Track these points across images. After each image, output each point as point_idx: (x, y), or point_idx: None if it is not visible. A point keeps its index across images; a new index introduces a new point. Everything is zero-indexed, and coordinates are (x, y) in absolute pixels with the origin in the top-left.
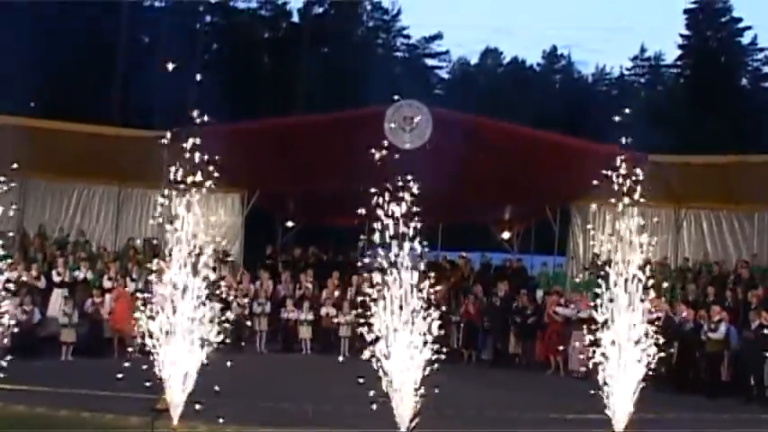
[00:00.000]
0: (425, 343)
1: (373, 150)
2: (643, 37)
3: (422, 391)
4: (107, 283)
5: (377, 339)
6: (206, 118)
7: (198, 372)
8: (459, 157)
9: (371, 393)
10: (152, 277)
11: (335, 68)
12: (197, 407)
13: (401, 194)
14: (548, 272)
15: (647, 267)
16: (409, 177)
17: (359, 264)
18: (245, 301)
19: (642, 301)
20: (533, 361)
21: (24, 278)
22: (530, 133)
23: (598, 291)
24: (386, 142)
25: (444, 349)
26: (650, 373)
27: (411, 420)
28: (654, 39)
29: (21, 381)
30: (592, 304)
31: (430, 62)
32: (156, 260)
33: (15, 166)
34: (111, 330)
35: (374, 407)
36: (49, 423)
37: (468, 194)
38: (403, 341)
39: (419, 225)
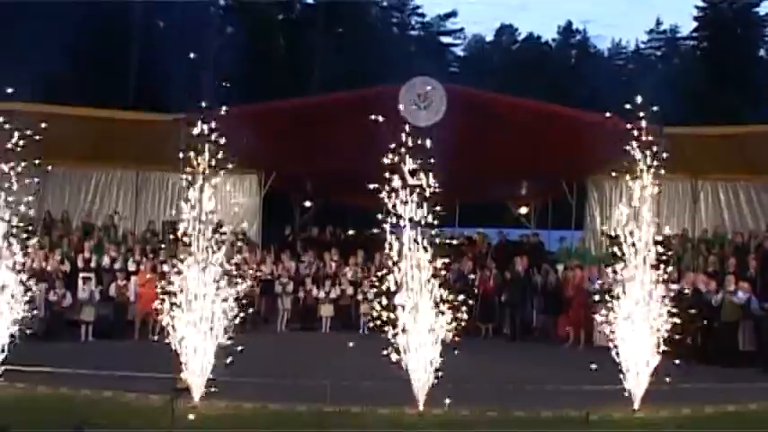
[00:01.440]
0: (445, 318)
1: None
2: (659, 10)
3: (439, 365)
4: (132, 266)
5: (396, 316)
6: (221, 100)
7: (218, 351)
8: (475, 134)
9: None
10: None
11: (350, 49)
12: (214, 388)
13: (416, 171)
14: (568, 247)
15: (664, 240)
16: (424, 154)
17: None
18: (267, 279)
19: (659, 271)
20: (553, 335)
21: (49, 263)
22: (545, 108)
23: (617, 264)
24: (401, 120)
25: (462, 323)
26: (668, 343)
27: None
28: (670, 11)
29: (46, 362)
30: (612, 278)
31: (445, 40)
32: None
33: (37, 161)
34: (136, 313)
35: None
36: (71, 402)
37: (485, 171)
38: (422, 317)
39: (435, 202)
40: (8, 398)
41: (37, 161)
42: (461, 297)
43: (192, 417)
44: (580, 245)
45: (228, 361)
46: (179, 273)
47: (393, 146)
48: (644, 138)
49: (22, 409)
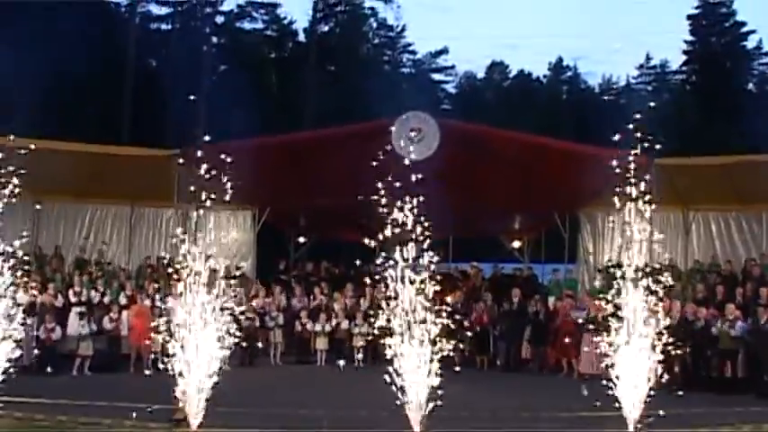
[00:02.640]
0: (438, 350)
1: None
2: (649, 46)
3: (436, 395)
4: (123, 300)
5: (390, 348)
6: (215, 136)
7: (214, 383)
8: (467, 168)
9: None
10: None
11: (342, 86)
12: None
13: (409, 207)
14: (559, 279)
15: (657, 269)
16: (417, 189)
17: (371, 274)
18: (259, 312)
19: (652, 301)
20: (546, 365)
21: (41, 298)
22: (536, 141)
23: (608, 296)
24: (394, 155)
25: (457, 356)
26: (662, 371)
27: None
28: (660, 47)
29: (42, 395)
30: (604, 307)
31: (437, 77)
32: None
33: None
34: (130, 346)
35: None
36: (70, 431)
37: (477, 205)
38: (415, 348)
39: (428, 236)
40: (6, 427)
41: (30, 197)
42: (455, 329)
43: None
44: (569, 276)
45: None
46: (173, 306)
47: (386, 180)
48: (635, 170)
49: None
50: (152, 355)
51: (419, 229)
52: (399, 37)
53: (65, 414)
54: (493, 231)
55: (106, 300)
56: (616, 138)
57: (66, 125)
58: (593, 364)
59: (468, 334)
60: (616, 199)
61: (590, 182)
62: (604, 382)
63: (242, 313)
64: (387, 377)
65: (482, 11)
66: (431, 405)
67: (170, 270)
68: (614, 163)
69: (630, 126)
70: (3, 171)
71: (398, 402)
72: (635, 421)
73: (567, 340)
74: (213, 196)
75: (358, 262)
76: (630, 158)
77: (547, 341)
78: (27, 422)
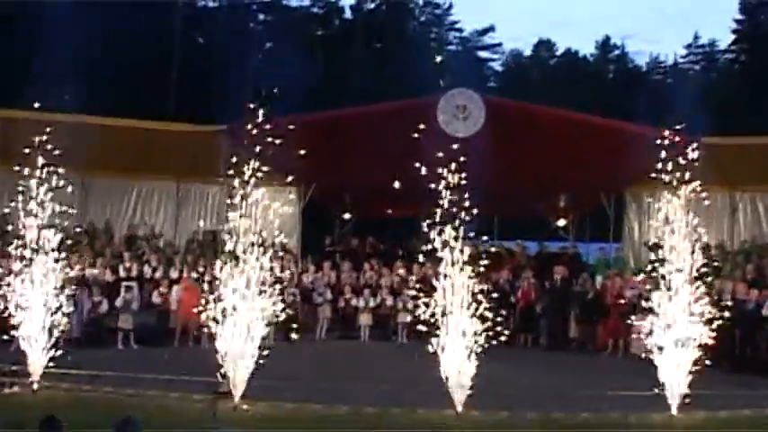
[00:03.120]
0: (482, 328)
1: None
2: (697, 25)
3: (479, 372)
4: (174, 275)
5: (435, 324)
6: (261, 113)
7: (259, 357)
8: (513, 145)
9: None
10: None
11: (389, 64)
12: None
13: (455, 183)
14: (606, 257)
15: (704, 249)
16: (463, 167)
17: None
18: (307, 288)
19: (699, 282)
20: (591, 344)
21: (91, 272)
22: (583, 119)
23: (656, 274)
24: (441, 132)
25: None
26: (707, 352)
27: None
28: (708, 26)
29: (89, 367)
30: (651, 286)
31: (483, 55)
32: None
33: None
34: (177, 320)
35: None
36: (115, 402)
37: (523, 183)
38: (460, 325)
39: (473, 213)
40: (53, 398)
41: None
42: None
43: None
44: (617, 255)
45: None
46: (220, 281)
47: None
48: (682, 149)
49: (66, 408)
50: (199, 330)
51: (465, 207)
52: (446, 14)
53: (111, 386)
54: (538, 210)
55: (157, 275)
56: (663, 117)
57: (113, 102)
58: (643, 343)
59: (509, 312)
60: (663, 178)
61: (636, 161)
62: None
63: (287, 288)
64: (430, 354)
65: None
66: (474, 382)
67: (215, 245)
68: (661, 142)
69: (677, 105)
70: (53, 147)
71: (441, 379)
72: (679, 401)
73: (617, 319)
74: (259, 172)
75: (403, 238)
76: (677, 138)
77: (595, 320)
78: (74, 394)
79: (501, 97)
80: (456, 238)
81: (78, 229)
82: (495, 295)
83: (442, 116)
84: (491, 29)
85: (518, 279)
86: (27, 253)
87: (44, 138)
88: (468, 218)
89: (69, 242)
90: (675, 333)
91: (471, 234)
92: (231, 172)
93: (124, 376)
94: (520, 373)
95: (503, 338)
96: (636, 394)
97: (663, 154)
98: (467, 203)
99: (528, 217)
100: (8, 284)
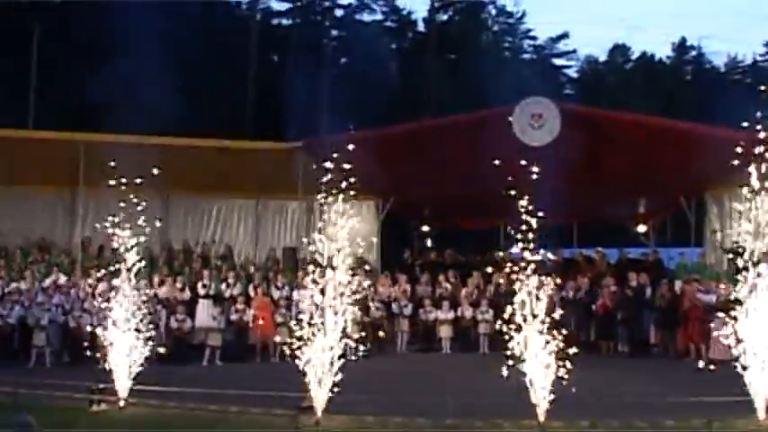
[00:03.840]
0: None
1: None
2: None
3: (560, 382)
4: (251, 293)
5: (515, 334)
6: (337, 128)
7: (341, 371)
8: (590, 152)
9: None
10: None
11: (463, 74)
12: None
13: (533, 193)
14: (686, 262)
15: None
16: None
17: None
18: (386, 301)
19: None
20: (673, 350)
21: (171, 291)
22: (660, 123)
23: (739, 277)
24: (517, 141)
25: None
26: None
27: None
28: None
29: (173, 383)
30: (732, 290)
31: (558, 62)
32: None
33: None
34: (256, 337)
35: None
36: (198, 418)
37: (601, 189)
38: (541, 335)
39: (552, 221)
40: (139, 415)
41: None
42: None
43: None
44: (699, 260)
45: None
46: (300, 297)
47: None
48: (763, 150)
49: (153, 425)
50: (279, 346)
51: (543, 216)
52: (519, 23)
53: (195, 402)
54: (617, 216)
55: (235, 292)
56: (743, 117)
57: (192, 122)
58: (724, 349)
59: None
60: (745, 180)
61: (716, 164)
62: (735, 367)
63: (368, 302)
64: (511, 364)
65: None
66: (555, 392)
67: (294, 261)
68: (742, 144)
69: (758, 105)
70: (134, 167)
71: (523, 390)
72: (765, 407)
73: (695, 325)
74: (337, 187)
75: (482, 249)
76: (758, 140)
77: (675, 326)
78: (159, 410)
79: (577, 104)
80: (534, 248)
81: (159, 248)
82: (573, 305)
83: (517, 125)
84: (565, 35)
85: (598, 287)
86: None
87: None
88: (546, 226)
89: (151, 261)
90: (762, 337)
91: (549, 243)
92: (309, 187)
93: (208, 393)
94: (602, 382)
95: (584, 347)
96: (720, 400)
97: (743, 155)
98: (544, 212)
99: (607, 223)
100: (93, 304)
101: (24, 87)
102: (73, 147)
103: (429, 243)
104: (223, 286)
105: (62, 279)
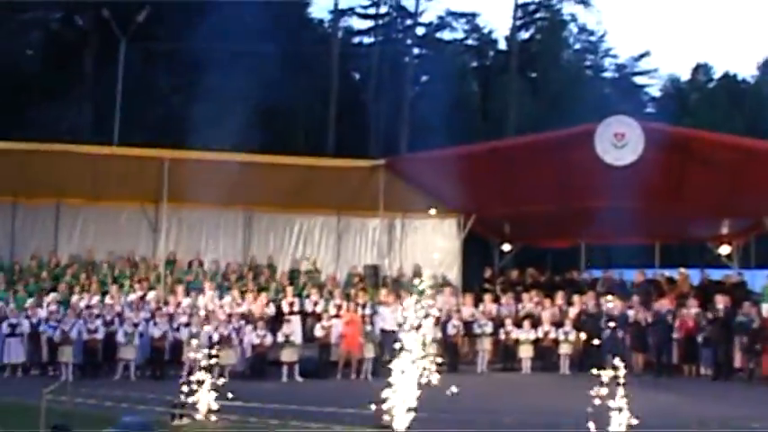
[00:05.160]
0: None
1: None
2: None
3: (643, 403)
4: (333, 310)
5: (597, 354)
6: (419, 146)
7: (420, 390)
8: (673, 172)
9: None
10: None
11: (544, 93)
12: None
13: (614, 213)
14: None
15: None
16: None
17: (578, 282)
18: (467, 321)
19: None
20: (758, 375)
21: (255, 307)
22: (744, 143)
23: None
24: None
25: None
26: None
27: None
28: None
29: (254, 399)
30: None
31: (639, 80)
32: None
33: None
34: (340, 354)
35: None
36: None
37: (684, 210)
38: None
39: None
40: (220, 429)
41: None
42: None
43: None
44: None
45: (452, 392)
46: (382, 314)
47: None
48: None
49: None
50: (362, 363)
51: (624, 236)
52: (600, 41)
53: (276, 419)
54: (700, 237)
55: (318, 308)
56: None
57: (274, 139)
58: None
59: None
60: None
61: None
62: None
63: (449, 321)
64: (592, 385)
65: (685, 11)
66: (639, 414)
67: (377, 279)
68: None
69: None
70: (218, 183)
71: (605, 411)
72: None
73: None
74: (418, 205)
75: (563, 269)
76: None
77: (761, 349)
78: (241, 425)
79: (659, 123)
80: (615, 268)
81: (242, 264)
82: (656, 326)
83: (599, 145)
84: (647, 54)
85: (681, 308)
86: (195, 288)
87: (209, 175)
88: (627, 246)
89: (234, 277)
90: None
91: (631, 263)
92: (391, 205)
93: (289, 409)
94: (685, 405)
95: (666, 369)
96: None
97: None
98: (626, 232)
99: (689, 244)
100: (177, 319)
101: (110, 104)
102: (157, 163)
103: (510, 261)
104: (306, 302)
105: (148, 294)
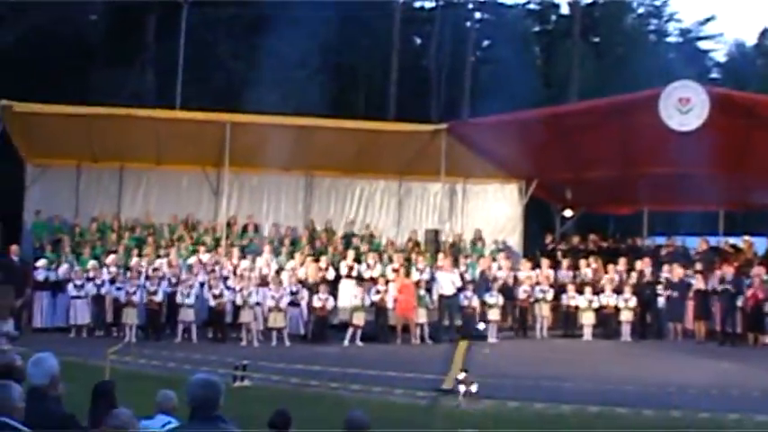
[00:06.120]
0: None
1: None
2: None
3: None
4: (391, 274)
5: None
6: (480, 111)
7: (481, 355)
8: (739, 138)
9: None
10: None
11: (607, 58)
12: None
13: (677, 179)
14: None
15: None
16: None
17: (639, 248)
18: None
19: None
20: None
21: (312, 271)
22: None
23: None
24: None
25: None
26: None
27: None
28: None
29: (315, 363)
30: None
31: (704, 45)
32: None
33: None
34: (396, 318)
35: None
36: (339, 398)
37: (749, 176)
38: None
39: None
40: (281, 392)
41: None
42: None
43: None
44: None
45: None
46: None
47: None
48: None
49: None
50: (418, 328)
51: (689, 202)
52: (664, 5)
53: (336, 382)
54: (765, 204)
55: (375, 273)
56: None
57: (336, 103)
58: None
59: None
60: None
61: None
62: None
63: (505, 286)
64: (653, 353)
65: None
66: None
67: (437, 244)
68: None
69: None
70: (279, 147)
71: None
72: None
73: None
74: (480, 170)
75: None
76: None
77: None
78: (301, 388)
79: (725, 88)
80: (678, 235)
81: (302, 228)
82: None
83: (663, 110)
84: (712, 18)
85: (745, 277)
86: (254, 251)
87: (270, 139)
88: (691, 213)
89: (294, 241)
90: None
91: (695, 230)
92: (452, 170)
93: (349, 373)
94: (748, 374)
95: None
96: None
97: None
98: (690, 198)
99: (755, 211)
100: (237, 282)
101: (172, 70)
102: (219, 127)
103: (571, 227)
104: (363, 267)
105: (207, 257)
